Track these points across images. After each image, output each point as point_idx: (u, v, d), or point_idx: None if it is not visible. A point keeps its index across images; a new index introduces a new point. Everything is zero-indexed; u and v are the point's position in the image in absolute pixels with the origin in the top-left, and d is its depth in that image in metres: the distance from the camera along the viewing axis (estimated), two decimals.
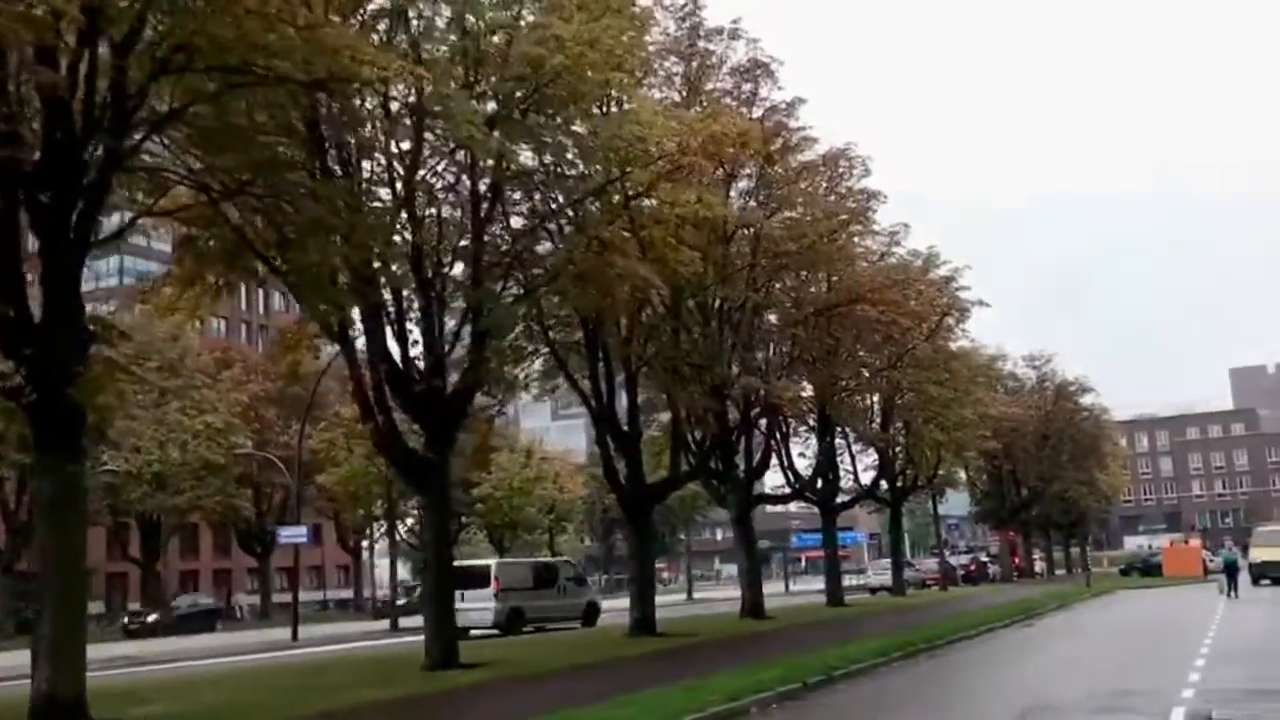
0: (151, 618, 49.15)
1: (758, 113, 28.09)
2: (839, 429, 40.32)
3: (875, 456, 44.70)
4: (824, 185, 31.84)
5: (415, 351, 19.88)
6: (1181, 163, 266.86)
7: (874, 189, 32.39)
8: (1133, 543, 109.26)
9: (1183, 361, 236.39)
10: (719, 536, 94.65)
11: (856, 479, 45.35)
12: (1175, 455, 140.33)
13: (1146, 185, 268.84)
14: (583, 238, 20.50)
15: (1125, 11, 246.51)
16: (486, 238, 20.51)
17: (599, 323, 24.99)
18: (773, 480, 42.58)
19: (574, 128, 19.18)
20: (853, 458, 44.37)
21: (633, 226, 21.45)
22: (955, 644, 23.26)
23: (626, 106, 20.41)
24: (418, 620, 28.09)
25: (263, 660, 26.99)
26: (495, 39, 18.34)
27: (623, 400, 27.71)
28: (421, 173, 18.86)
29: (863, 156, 31.81)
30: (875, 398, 40.73)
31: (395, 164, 18.71)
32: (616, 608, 38.89)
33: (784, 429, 37.99)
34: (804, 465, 40.27)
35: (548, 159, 19.78)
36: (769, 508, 56.43)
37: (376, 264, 17.49)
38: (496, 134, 17.23)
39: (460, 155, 19.09)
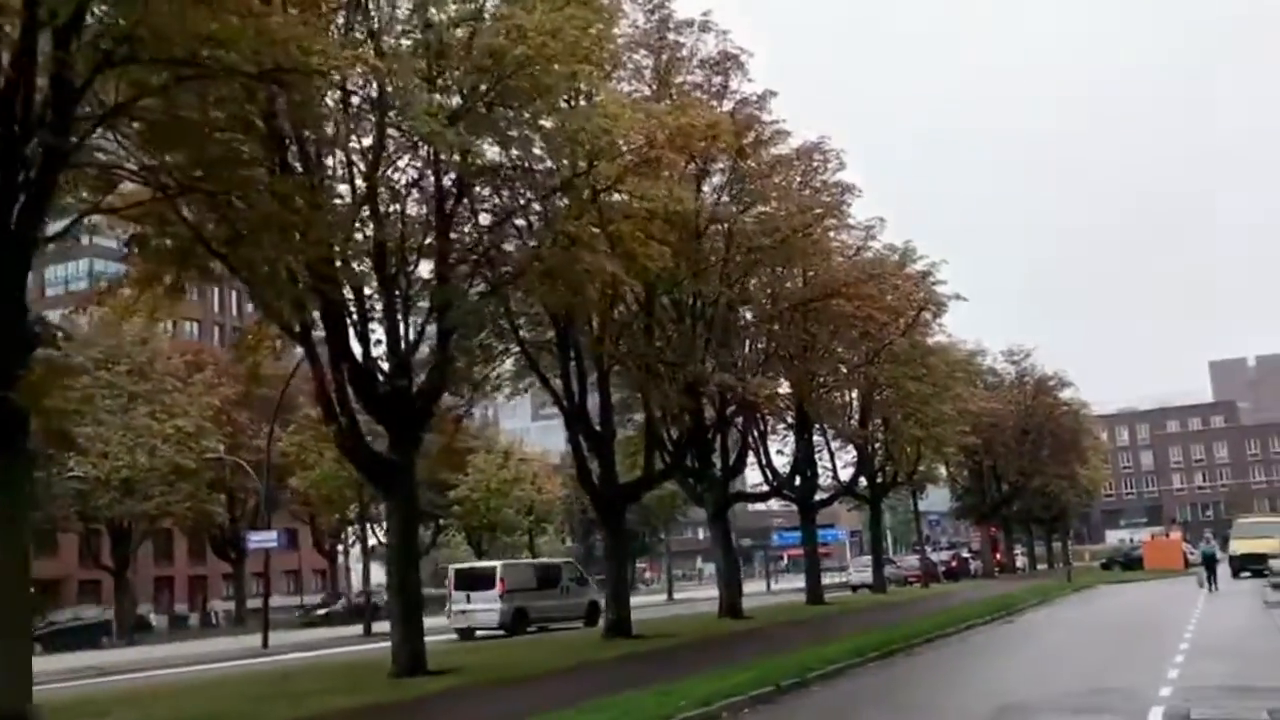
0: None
1: (729, 106, 27.77)
2: (817, 426, 39.95)
3: (854, 453, 44.41)
4: (798, 179, 31.48)
5: (379, 351, 19.47)
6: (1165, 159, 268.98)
7: (848, 182, 32.10)
8: (1114, 536, 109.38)
9: (1162, 355, 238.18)
10: (700, 535, 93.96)
11: (836, 476, 45.04)
12: (1155, 449, 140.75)
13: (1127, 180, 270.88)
14: (550, 233, 20.17)
15: None
16: (453, 235, 20.15)
17: (570, 320, 24.64)
18: (751, 478, 42.44)
19: (541, 122, 18.82)
20: (831, 455, 44.09)
21: (601, 221, 21.05)
22: (933, 642, 23.15)
23: (595, 100, 20.04)
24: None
25: (230, 669, 26.51)
26: (459, 32, 17.97)
27: (596, 399, 27.36)
28: (384, 169, 18.50)
29: (837, 150, 31.51)
30: (853, 394, 40.48)
31: (357, 160, 18.34)
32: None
33: (761, 426, 37.80)
34: (782, 463, 40.00)
35: (514, 153, 19.46)
36: (751, 505, 56.29)
37: (337, 262, 17.11)
38: (460, 128, 16.88)
39: (424, 151, 18.75)
